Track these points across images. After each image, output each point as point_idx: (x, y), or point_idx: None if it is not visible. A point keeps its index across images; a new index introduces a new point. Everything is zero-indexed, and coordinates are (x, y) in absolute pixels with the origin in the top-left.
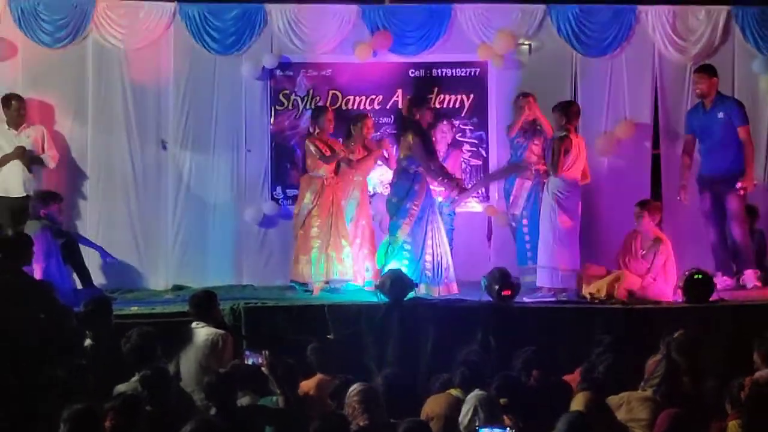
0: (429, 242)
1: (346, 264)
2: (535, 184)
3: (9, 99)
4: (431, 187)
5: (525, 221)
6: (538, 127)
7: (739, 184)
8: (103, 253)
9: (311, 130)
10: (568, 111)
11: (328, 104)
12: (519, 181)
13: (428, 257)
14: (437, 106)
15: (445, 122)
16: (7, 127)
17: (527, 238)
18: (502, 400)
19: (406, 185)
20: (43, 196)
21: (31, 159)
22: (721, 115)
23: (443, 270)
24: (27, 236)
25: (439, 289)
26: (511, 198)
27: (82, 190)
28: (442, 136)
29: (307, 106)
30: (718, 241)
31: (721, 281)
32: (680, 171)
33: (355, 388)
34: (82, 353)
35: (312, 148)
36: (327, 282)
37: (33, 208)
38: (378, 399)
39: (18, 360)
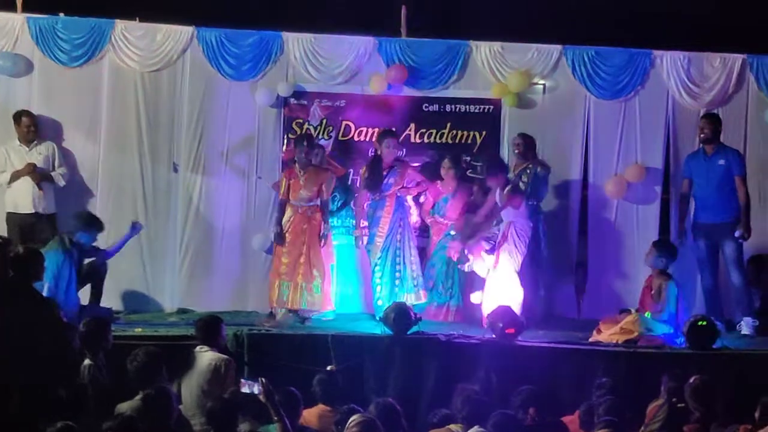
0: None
1: (315, 295)
2: None
3: (20, 116)
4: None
5: None
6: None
7: (737, 233)
8: (131, 232)
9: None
10: None
11: (340, 135)
12: None
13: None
14: (450, 141)
15: (391, 138)
16: (18, 143)
17: None
18: None
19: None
20: (87, 221)
21: (41, 176)
22: (721, 162)
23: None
24: (38, 252)
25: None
26: None
27: (91, 208)
28: (389, 151)
29: (320, 136)
30: (711, 287)
31: None
32: (680, 215)
33: (354, 419)
34: (80, 372)
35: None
36: (293, 311)
37: (70, 226)
38: (377, 431)
39: (21, 377)
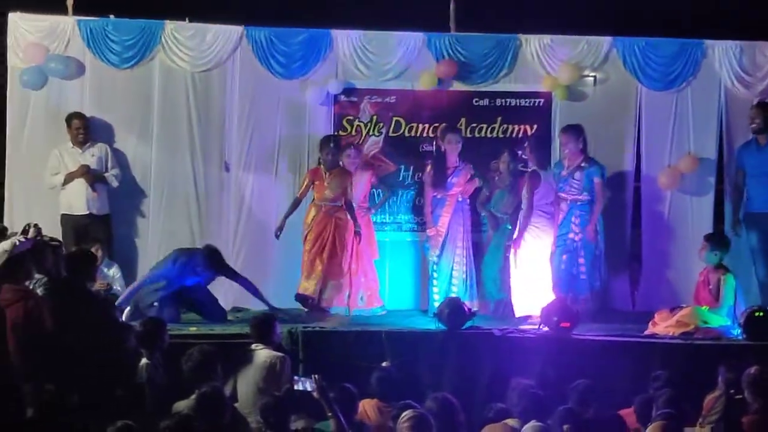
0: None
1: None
2: None
3: (71, 118)
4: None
5: None
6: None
7: None
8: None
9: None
10: None
11: (391, 131)
12: None
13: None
14: (500, 136)
15: (352, 148)
16: (71, 145)
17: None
18: (565, 427)
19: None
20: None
21: (94, 177)
22: None
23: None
24: (90, 253)
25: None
26: None
27: (143, 209)
28: (505, 166)
29: (371, 133)
30: (765, 278)
31: None
32: (733, 206)
33: (406, 414)
34: (137, 372)
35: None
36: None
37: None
38: (429, 426)
39: (78, 377)
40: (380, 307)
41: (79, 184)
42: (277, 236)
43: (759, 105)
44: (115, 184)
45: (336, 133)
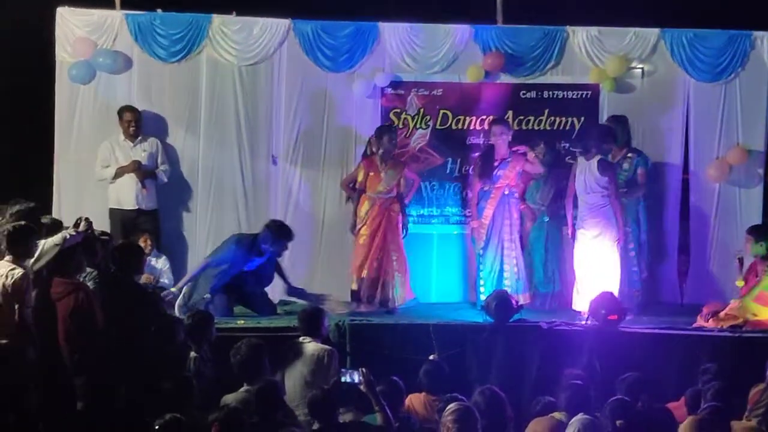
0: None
1: (399, 286)
2: None
3: (123, 111)
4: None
5: None
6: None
7: None
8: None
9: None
10: None
11: (438, 124)
12: None
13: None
14: (548, 128)
15: (498, 125)
16: (123, 138)
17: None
18: (618, 422)
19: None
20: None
21: (145, 174)
22: None
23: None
24: (137, 246)
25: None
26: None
27: (191, 203)
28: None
29: (418, 126)
30: None
31: None
32: None
33: (451, 407)
34: (186, 365)
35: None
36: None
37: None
38: (474, 419)
39: (126, 370)
40: (413, 299)
41: (130, 179)
42: (355, 234)
43: None
44: (164, 180)
45: (391, 124)
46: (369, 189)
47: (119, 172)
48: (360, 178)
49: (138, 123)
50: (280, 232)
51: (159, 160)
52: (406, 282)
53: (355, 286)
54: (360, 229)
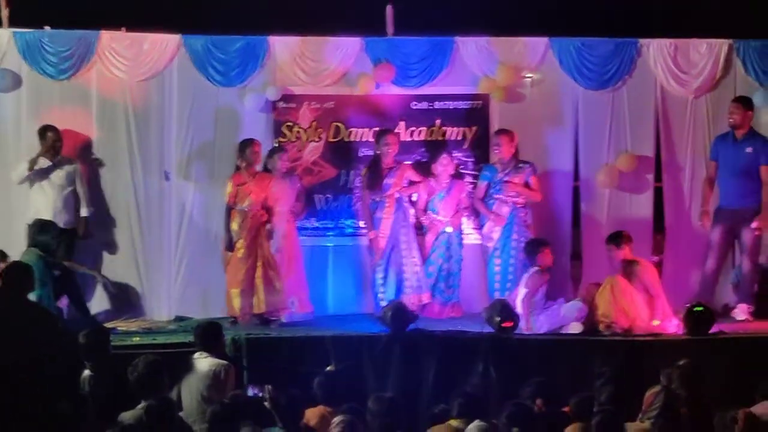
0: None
1: (278, 296)
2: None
3: (45, 130)
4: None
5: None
6: (519, 165)
7: (754, 224)
8: (102, 280)
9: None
10: None
11: (331, 137)
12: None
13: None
14: (440, 138)
15: (444, 155)
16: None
17: (497, 269)
18: (514, 429)
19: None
20: (41, 226)
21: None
22: (749, 149)
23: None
24: (27, 264)
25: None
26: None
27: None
28: (443, 168)
29: (310, 138)
30: (713, 273)
31: None
32: (703, 196)
33: (336, 420)
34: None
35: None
36: (258, 315)
37: (30, 237)
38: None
39: (22, 390)
40: (310, 312)
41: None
42: (231, 250)
43: (738, 99)
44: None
45: (252, 139)
46: (238, 202)
47: (31, 165)
48: (230, 190)
49: (61, 143)
50: None
51: (77, 183)
52: (302, 294)
53: (237, 300)
54: (235, 244)
